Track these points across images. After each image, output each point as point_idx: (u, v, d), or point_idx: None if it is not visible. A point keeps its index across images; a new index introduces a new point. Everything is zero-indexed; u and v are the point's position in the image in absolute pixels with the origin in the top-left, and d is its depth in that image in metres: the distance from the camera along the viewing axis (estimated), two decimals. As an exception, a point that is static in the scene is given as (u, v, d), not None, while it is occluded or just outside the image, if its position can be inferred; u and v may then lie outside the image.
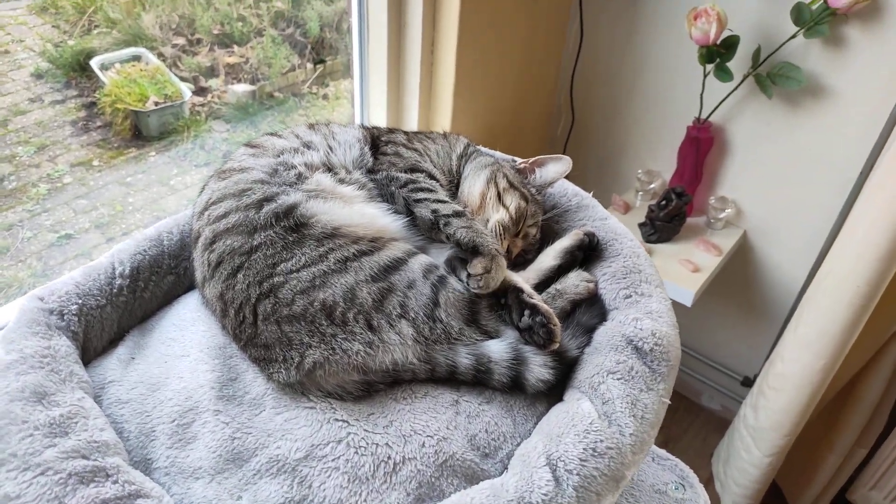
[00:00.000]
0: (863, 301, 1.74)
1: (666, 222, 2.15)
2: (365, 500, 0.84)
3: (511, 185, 1.20)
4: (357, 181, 1.12)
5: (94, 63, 1.74)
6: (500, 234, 1.14)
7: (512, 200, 1.17)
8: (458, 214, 1.06)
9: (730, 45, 1.95)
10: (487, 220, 1.15)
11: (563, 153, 2.50)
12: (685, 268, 2.09)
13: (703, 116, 2.12)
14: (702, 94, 2.08)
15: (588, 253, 1.14)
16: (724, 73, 1.98)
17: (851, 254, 1.73)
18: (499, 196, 1.18)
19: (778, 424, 2.03)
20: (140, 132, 1.84)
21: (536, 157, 1.27)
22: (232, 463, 0.87)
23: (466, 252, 1.01)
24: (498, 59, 2.06)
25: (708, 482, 2.41)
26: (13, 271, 1.61)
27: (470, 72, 1.94)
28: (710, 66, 2.01)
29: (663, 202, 2.13)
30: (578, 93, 2.42)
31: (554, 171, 1.25)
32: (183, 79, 1.90)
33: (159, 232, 1.16)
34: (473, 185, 1.21)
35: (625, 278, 1.07)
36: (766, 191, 2.20)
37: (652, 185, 2.37)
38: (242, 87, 2.02)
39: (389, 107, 2.00)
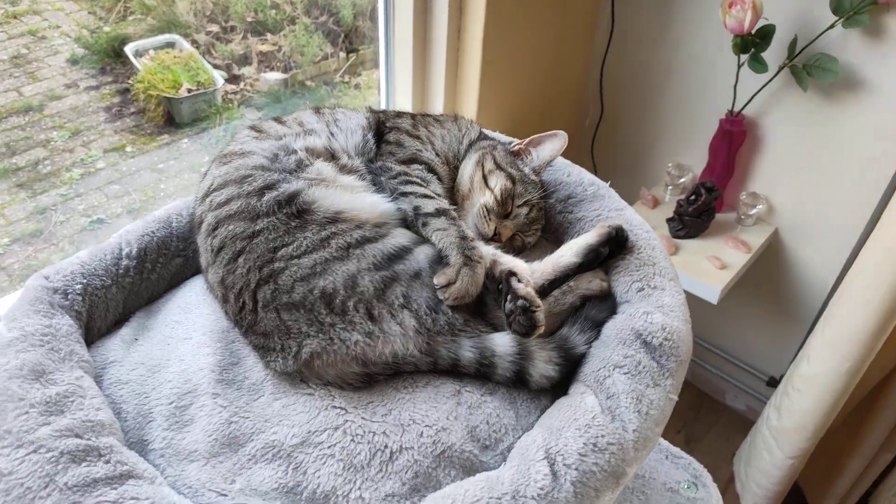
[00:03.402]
0: (892, 304, 1.67)
1: (695, 217, 2.09)
2: (359, 489, 0.82)
3: (497, 165, 1.16)
4: (358, 169, 1.10)
5: (129, 49, 1.76)
6: (486, 217, 1.11)
7: (497, 182, 1.14)
8: (439, 213, 1.02)
9: (765, 34, 1.88)
10: (474, 206, 1.13)
11: (592, 145, 2.49)
12: (713, 264, 2.03)
13: (737, 109, 2.06)
14: (735, 86, 2.01)
15: (615, 249, 1.08)
16: (758, 64, 1.91)
17: (883, 254, 1.66)
18: (484, 178, 1.15)
19: (802, 426, 1.97)
20: (173, 119, 1.86)
21: (531, 137, 1.23)
22: (227, 447, 0.86)
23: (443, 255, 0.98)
24: (526, 47, 2.02)
25: (729, 482, 2.36)
26: (46, 254, 1.63)
27: (497, 59, 1.90)
28: (744, 57, 1.94)
29: (692, 197, 2.07)
30: (608, 83, 2.36)
31: (550, 148, 1.21)
32: (216, 66, 1.91)
33: (168, 214, 1.16)
34: (465, 169, 1.18)
35: (638, 271, 1.03)
36: (799, 187, 2.12)
37: (682, 180, 2.31)
38: (275, 76, 2.02)
39: (415, 94, 1.97)
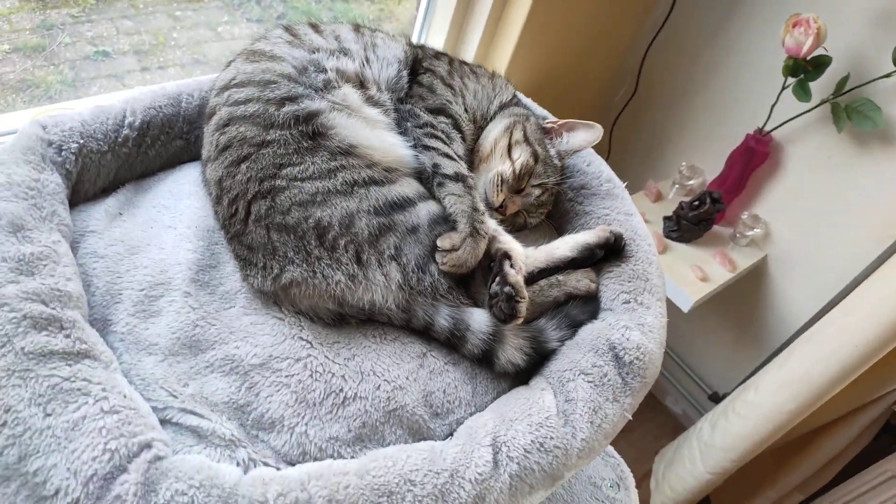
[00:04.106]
0: (855, 363, 1.71)
1: (692, 224, 2.08)
2: (306, 424, 0.83)
3: (526, 138, 1.14)
4: (384, 104, 1.06)
5: None
6: (498, 186, 1.09)
7: (520, 154, 1.11)
8: (458, 178, 1.00)
9: (819, 63, 1.82)
10: (491, 171, 1.11)
11: (615, 123, 2.44)
12: (695, 274, 2.04)
13: (767, 129, 2.02)
14: (773, 106, 1.96)
15: (609, 254, 1.08)
16: (802, 92, 1.86)
17: (862, 313, 1.68)
18: (509, 147, 1.12)
19: (731, 447, 2.04)
20: (200, -33, 1.77)
21: (567, 120, 1.20)
22: (188, 349, 0.86)
23: (450, 220, 0.97)
24: (580, 4, 1.94)
25: (644, 477, 2.45)
26: (43, 72, 1.58)
27: (545, 10, 1.83)
28: (791, 80, 1.89)
29: (696, 202, 2.06)
30: (649, 65, 2.29)
31: (583, 138, 1.19)
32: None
33: (180, 91, 1.12)
34: (491, 131, 1.16)
35: (630, 282, 1.03)
36: (801, 222, 2.12)
37: (691, 182, 2.29)
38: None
39: (452, 24, 1.90)
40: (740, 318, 2.40)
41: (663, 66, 2.31)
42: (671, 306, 1.99)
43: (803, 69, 1.84)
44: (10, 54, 1.52)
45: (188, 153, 1.14)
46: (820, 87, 1.86)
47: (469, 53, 1.95)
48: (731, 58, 2.14)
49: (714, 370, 2.57)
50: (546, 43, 1.96)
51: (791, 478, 2.18)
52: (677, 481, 2.23)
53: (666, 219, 2.15)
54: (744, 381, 2.23)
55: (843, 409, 1.99)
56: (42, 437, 0.70)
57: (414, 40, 1.97)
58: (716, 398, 2.49)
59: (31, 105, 1.56)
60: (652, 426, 2.72)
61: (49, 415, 0.71)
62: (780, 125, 1.98)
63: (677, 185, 2.30)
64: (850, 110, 1.84)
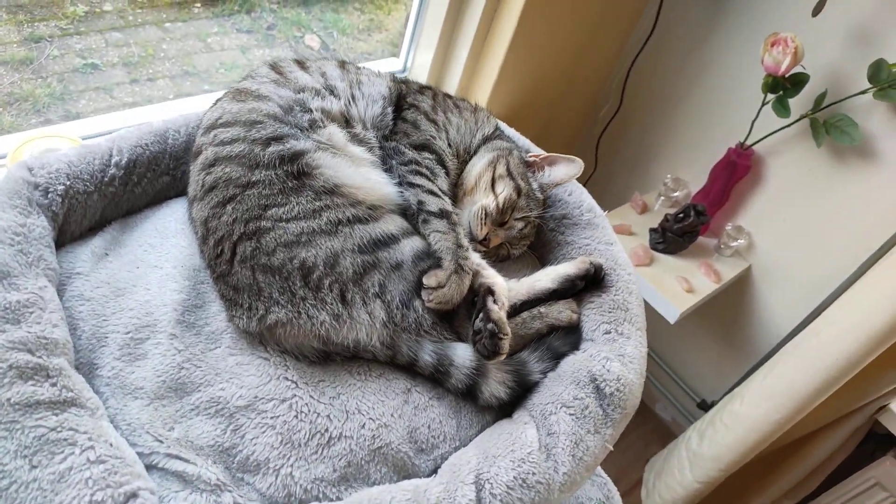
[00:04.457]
0: (838, 374, 1.73)
1: (677, 236, 2.11)
2: (291, 465, 0.85)
3: (509, 173, 1.15)
4: (369, 142, 1.07)
5: None
6: (482, 219, 1.10)
7: (504, 189, 1.13)
8: (441, 214, 1.02)
9: (797, 81, 1.85)
10: (475, 204, 1.12)
11: (600, 138, 2.47)
12: (680, 285, 2.06)
13: (748, 143, 2.05)
14: (753, 121, 1.99)
15: (590, 284, 1.10)
16: (782, 108, 1.88)
17: (843, 324, 1.71)
18: (493, 181, 1.14)
19: (718, 457, 2.06)
20: (187, -21, 1.78)
21: (549, 154, 1.22)
22: (174, 392, 0.87)
23: (434, 256, 0.98)
24: (564, 22, 1.95)
25: (636, 485, 2.47)
26: (31, 86, 1.58)
27: (531, 26, 1.85)
28: (770, 96, 1.92)
29: (681, 215, 2.08)
30: (633, 81, 2.32)
31: (564, 172, 1.21)
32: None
33: (166, 128, 1.13)
34: (475, 165, 1.17)
35: (610, 313, 1.05)
36: (784, 233, 2.14)
37: (676, 194, 2.31)
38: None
39: (439, 44, 1.92)
40: (726, 328, 2.43)
41: (647, 81, 2.33)
42: (658, 316, 2.02)
43: (782, 86, 1.87)
44: None
45: (174, 189, 1.15)
46: (799, 102, 1.88)
47: (457, 68, 1.97)
48: (713, 73, 2.16)
49: (702, 378, 2.59)
50: (533, 58, 1.98)
51: (779, 485, 2.20)
52: (667, 490, 2.25)
53: (652, 230, 2.17)
54: (731, 389, 2.25)
55: (828, 417, 2.02)
56: (28, 490, 0.71)
57: (402, 54, 2.02)
58: (704, 406, 2.52)
59: (18, 118, 1.56)
60: (642, 433, 2.74)
61: (35, 467, 0.72)
62: (760, 139, 2.01)
63: (663, 198, 2.32)
64: (828, 125, 1.86)
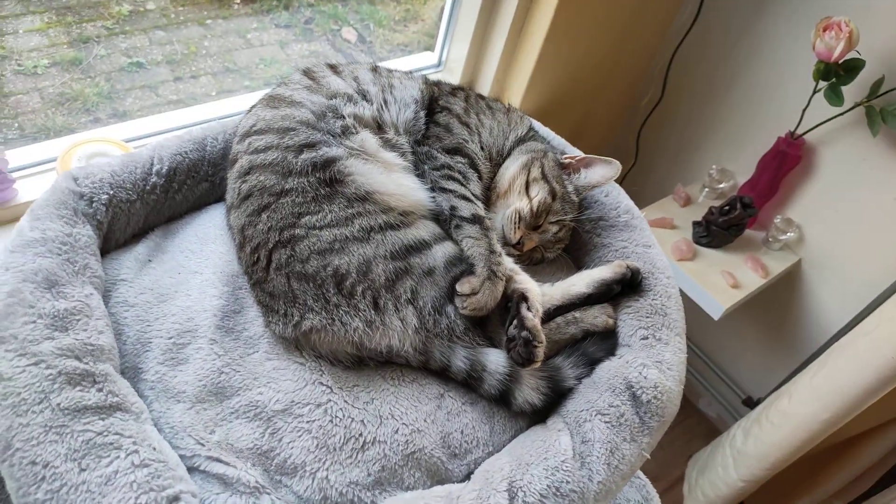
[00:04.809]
0: (891, 373, 1.67)
1: (723, 229, 2.06)
2: (327, 469, 0.86)
3: (543, 176, 1.14)
4: (402, 147, 1.08)
5: None
6: (516, 223, 1.10)
7: (538, 192, 1.12)
8: (475, 220, 1.01)
9: (851, 67, 1.77)
10: (508, 207, 1.11)
11: (642, 128, 2.42)
12: (726, 280, 2.02)
13: (799, 132, 1.98)
14: (804, 110, 1.92)
15: (627, 289, 1.08)
16: (834, 97, 1.81)
17: (896, 324, 1.65)
18: (527, 185, 1.13)
19: (764, 456, 2.02)
20: (230, -24, 1.81)
21: (585, 156, 1.20)
22: (214, 396, 0.90)
23: (467, 261, 0.98)
24: (602, 11, 1.92)
25: (677, 481, 2.44)
26: (81, 85, 1.63)
27: (568, 16, 1.82)
28: (822, 83, 1.85)
29: (727, 207, 2.03)
30: (675, 70, 2.26)
31: (600, 174, 1.19)
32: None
33: (205, 135, 1.15)
34: (509, 167, 1.16)
35: (647, 318, 1.03)
36: (836, 226, 2.07)
37: (721, 185, 2.25)
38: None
39: (475, 35, 1.90)
40: (774, 323, 2.37)
41: (690, 69, 2.27)
42: (702, 311, 1.99)
43: (835, 73, 1.80)
44: (49, 68, 1.58)
45: (213, 195, 1.18)
46: (853, 90, 1.81)
47: (493, 60, 1.95)
48: (760, 60, 2.10)
49: (748, 374, 2.54)
50: (570, 48, 1.95)
51: (828, 485, 2.15)
52: (710, 488, 2.21)
53: (695, 224, 2.12)
54: (778, 386, 2.20)
55: (882, 417, 1.95)
56: (78, 492, 0.74)
57: (437, 47, 2.02)
58: (749, 402, 2.46)
59: (69, 117, 1.62)
60: (685, 428, 2.70)
61: (84, 470, 0.75)
62: (812, 128, 1.94)
63: (707, 189, 2.27)
64: (885, 113, 1.79)
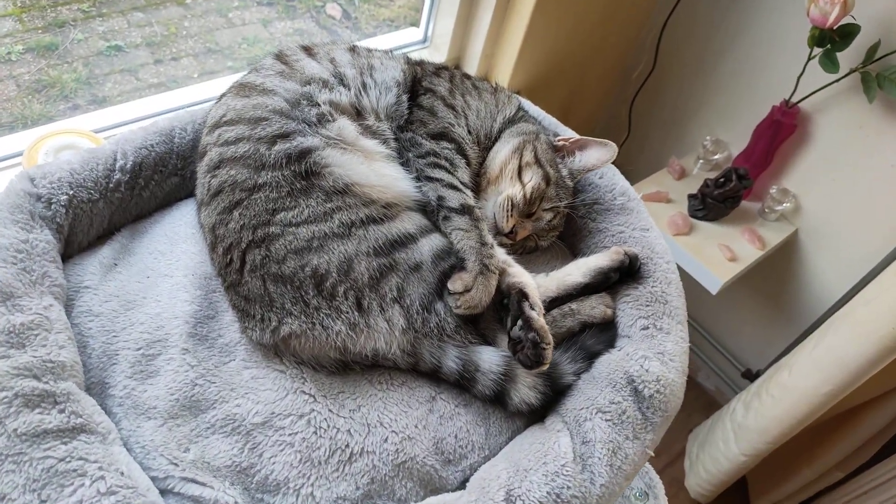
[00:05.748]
0: (892, 343, 1.64)
1: (718, 202, 2.01)
2: (312, 485, 0.81)
3: (537, 160, 1.08)
4: (383, 134, 1.00)
5: None
6: (508, 211, 1.04)
7: (531, 178, 1.06)
8: (463, 210, 0.95)
9: (847, 33, 1.72)
10: (500, 194, 1.05)
11: (634, 100, 2.35)
12: (723, 254, 1.98)
13: (794, 100, 1.92)
14: (799, 77, 1.86)
15: (625, 276, 1.02)
16: (830, 63, 1.76)
17: (896, 292, 1.61)
18: (519, 169, 1.06)
19: (765, 430, 1.99)
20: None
21: (579, 138, 1.14)
22: (188, 410, 0.84)
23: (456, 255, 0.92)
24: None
25: (679, 456, 2.42)
26: (58, 71, 1.58)
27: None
28: (817, 50, 1.79)
29: (722, 179, 1.98)
30: (668, 39, 2.19)
31: (596, 157, 1.12)
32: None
33: (172, 126, 1.07)
34: (499, 151, 1.10)
35: (647, 306, 0.98)
36: (833, 194, 2.03)
37: (716, 157, 2.20)
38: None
39: (460, 10, 1.82)
40: (772, 294, 2.33)
41: (683, 38, 2.21)
42: (699, 286, 1.94)
43: (830, 39, 1.74)
44: (24, 54, 1.53)
45: (183, 190, 1.10)
46: (848, 55, 1.76)
47: (480, 34, 1.89)
48: (754, 28, 2.03)
49: (747, 347, 2.50)
50: (559, 19, 1.88)
51: (830, 456, 2.13)
52: (711, 462, 2.20)
53: (691, 197, 2.08)
54: (777, 358, 2.17)
55: (883, 386, 1.92)
56: (39, 526, 0.68)
57: (422, 22, 1.93)
58: (749, 375, 2.44)
59: (47, 105, 1.56)
60: (685, 403, 2.66)
61: (44, 501, 0.69)
62: (807, 96, 1.89)
63: (702, 161, 2.22)
64: (881, 78, 1.74)
